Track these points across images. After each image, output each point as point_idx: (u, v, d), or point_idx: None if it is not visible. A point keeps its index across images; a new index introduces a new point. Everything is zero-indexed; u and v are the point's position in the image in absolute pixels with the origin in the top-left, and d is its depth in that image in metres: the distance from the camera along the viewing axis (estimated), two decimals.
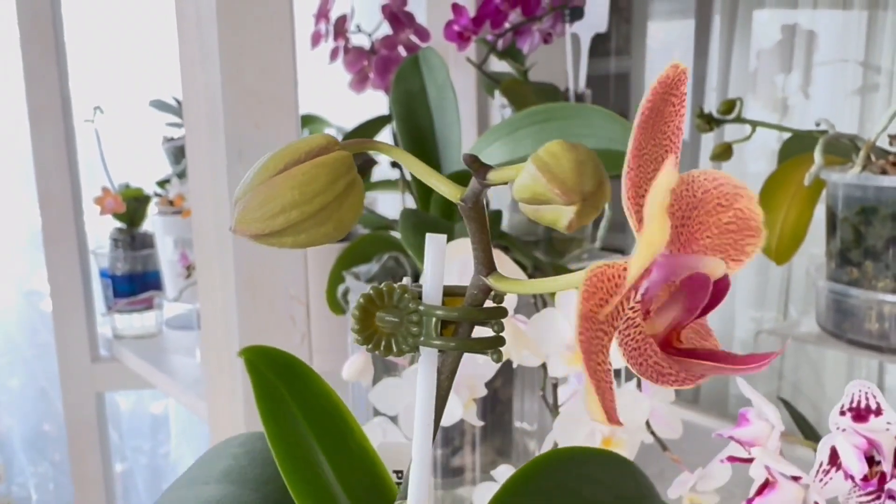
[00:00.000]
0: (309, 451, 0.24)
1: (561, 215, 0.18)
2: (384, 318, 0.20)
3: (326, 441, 0.24)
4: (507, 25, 0.76)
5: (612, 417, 0.17)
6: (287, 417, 0.24)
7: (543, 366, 0.42)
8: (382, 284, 0.20)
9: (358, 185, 0.19)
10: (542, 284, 0.20)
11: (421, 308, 0.20)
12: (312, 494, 0.23)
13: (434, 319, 0.20)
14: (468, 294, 0.21)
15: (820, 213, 0.63)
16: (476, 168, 0.19)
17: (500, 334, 0.21)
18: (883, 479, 0.28)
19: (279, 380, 0.24)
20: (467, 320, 0.20)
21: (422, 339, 0.20)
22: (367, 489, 0.25)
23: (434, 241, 0.21)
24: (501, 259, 0.43)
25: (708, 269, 0.18)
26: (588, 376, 0.17)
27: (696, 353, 0.18)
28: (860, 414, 0.29)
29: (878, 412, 0.28)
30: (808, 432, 0.45)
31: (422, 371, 0.20)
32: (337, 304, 0.66)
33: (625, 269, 0.17)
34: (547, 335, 0.39)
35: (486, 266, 0.20)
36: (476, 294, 0.20)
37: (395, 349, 0.20)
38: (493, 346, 0.21)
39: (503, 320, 0.21)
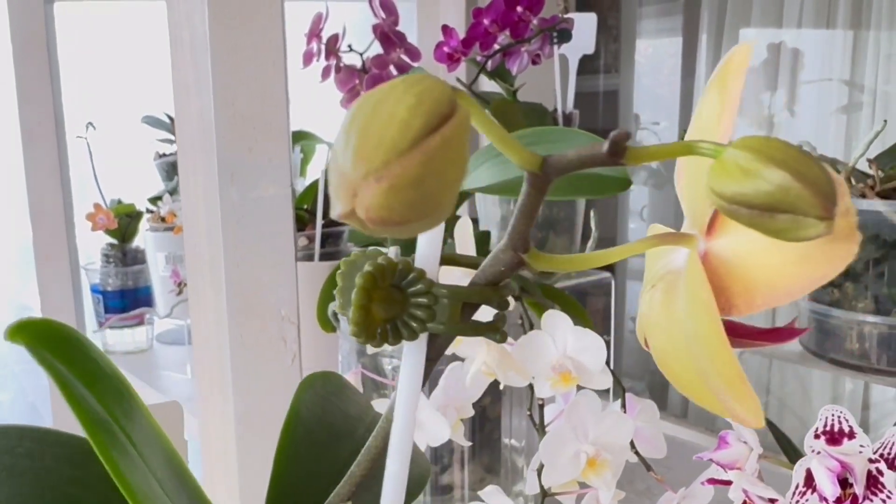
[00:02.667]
0: (114, 432, 0.21)
1: (803, 227, 0.15)
2: (386, 300, 0.16)
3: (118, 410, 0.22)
4: (496, 47, 0.77)
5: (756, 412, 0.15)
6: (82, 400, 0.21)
7: (531, 385, 0.43)
8: (382, 259, 0.17)
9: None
10: (584, 260, 0.19)
11: (435, 290, 0.17)
12: (132, 483, 0.20)
13: (453, 302, 0.17)
14: (488, 267, 0.18)
15: None
16: (620, 147, 0.16)
17: (504, 312, 0.19)
18: (855, 500, 0.28)
19: (57, 357, 0.22)
20: (483, 301, 0.18)
21: (433, 324, 0.17)
22: (169, 473, 0.23)
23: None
24: None
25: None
26: (733, 371, 0.15)
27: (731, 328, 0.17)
28: (833, 437, 0.30)
29: (851, 435, 0.29)
30: (791, 452, 0.46)
31: (409, 354, 0.18)
32: (327, 323, 0.67)
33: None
34: (533, 357, 0.40)
35: (523, 243, 0.18)
36: (502, 270, 0.18)
37: (391, 338, 0.17)
38: (498, 328, 0.19)
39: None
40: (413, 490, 0.21)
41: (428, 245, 0.18)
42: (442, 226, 0.18)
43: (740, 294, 0.16)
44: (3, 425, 0.23)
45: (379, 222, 0.13)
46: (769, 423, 0.48)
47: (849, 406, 1.29)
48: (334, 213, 0.14)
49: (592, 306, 0.84)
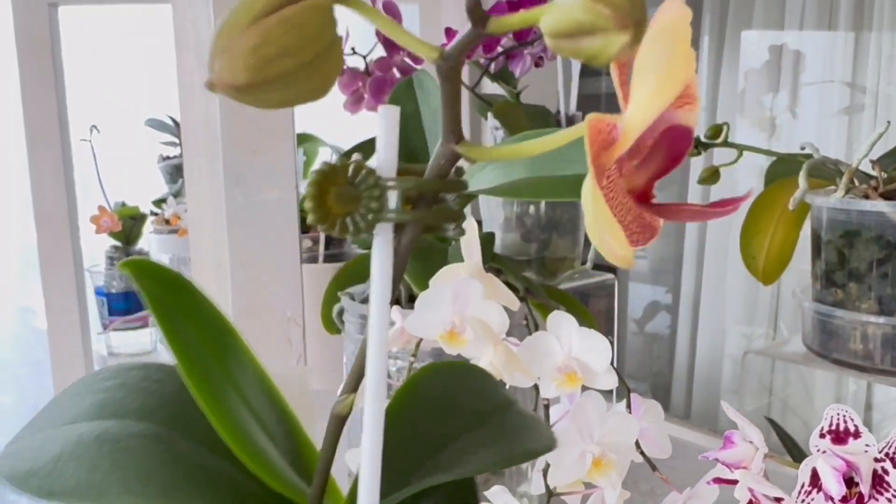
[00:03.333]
0: (210, 366, 0.23)
1: (609, 44, 0.16)
2: (341, 195, 0.18)
3: (224, 360, 0.24)
4: (499, 49, 0.77)
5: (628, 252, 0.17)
6: (186, 333, 0.23)
7: (536, 386, 0.43)
8: (337, 160, 0.18)
9: (339, 42, 0.18)
10: (511, 150, 0.20)
11: (382, 182, 0.18)
12: (223, 413, 0.22)
13: (396, 193, 0.19)
14: (432, 164, 0.20)
15: (806, 232, 0.64)
16: (478, 16, 0.18)
17: (462, 209, 0.20)
18: (861, 499, 0.29)
19: (169, 295, 0.24)
20: (430, 191, 0.19)
21: (381, 214, 0.18)
22: (268, 409, 0.24)
23: (387, 112, 0.20)
24: (493, 283, 0.44)
25: (685, 120, 0.19)
26: (606, 209, 0.17)
27: (670, 206, 0.19)
28: (839, 436, 0.30)
29: (857, 434, 0.29)
30: (795, 452, 0.46)
31: (377, 250, 0.19)
32: (332, 324, 0.67)
33: (614, 125, 0.18)
34: (539, 358, 0.40)
35: (455, 133, 0.19)
36: (442, 164, 0.20)
37: (351, 228, 0.18)
38: (453, 218, 0.20)
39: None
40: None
41: (384, 150, 0.19)
42: (395, 137, 0.20)
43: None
44: (144, 363, 0.27)
45: (225, 86, 0.17)
46: (773, 423, 0.49)
47: (852, 407, 1.29)
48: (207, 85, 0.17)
49: (595, 307, 0.85)
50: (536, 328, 0.46)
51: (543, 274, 0.78)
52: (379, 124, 0.19)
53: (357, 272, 0.67)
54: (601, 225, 0.18)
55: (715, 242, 1.38)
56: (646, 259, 1.55)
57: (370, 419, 0.20)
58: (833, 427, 0.30)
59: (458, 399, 0.27)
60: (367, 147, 0.98)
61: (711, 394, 1.39)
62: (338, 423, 0.23)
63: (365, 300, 0.61)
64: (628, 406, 0.43)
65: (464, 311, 0.39)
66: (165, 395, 0.25)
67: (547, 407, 0.45)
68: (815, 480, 0.30)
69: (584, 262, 0.76)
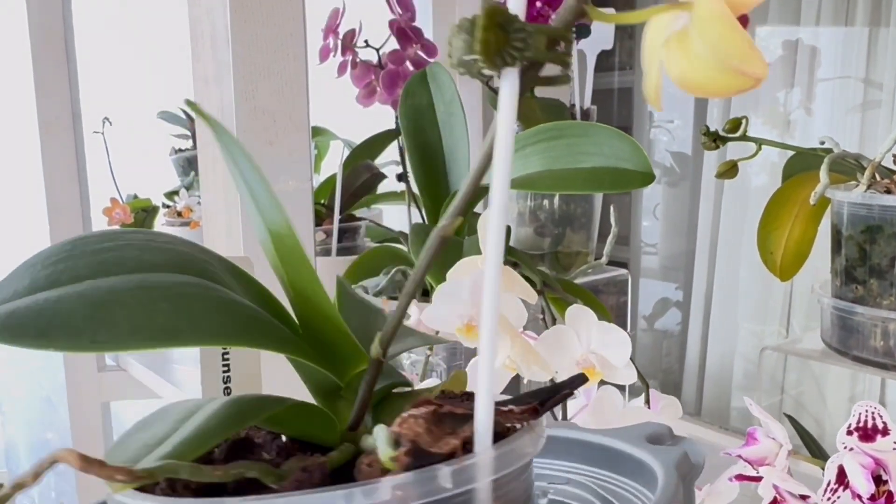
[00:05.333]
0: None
1: None
2: (498, 35, 0.21)
3: None
4: None
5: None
6: None
7: (552, 380, 0.42)
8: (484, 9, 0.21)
9: None
10: (634, 16, 0.22)
11: (528, 27, 0.21)
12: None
13: (540, 36, 0.22)
14: (562, 18, 0.23)
15: (823, 228, 0.64)
16: None
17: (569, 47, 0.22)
18: (890, 498, 0.28)
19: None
20: (559, 37, 0.22)
21: (527, 52, 0.21)
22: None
23: None
24: (511, 276, 0.43)
25: None
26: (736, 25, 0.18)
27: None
28: (867, 433, 0.29)
29: (885, 432, 0.29)
30: (814, 449, 0.45)
31: (506, 85, 0.22)
32: None
33: None
34: (557, 352, 0.40)
35: None
36: (567, 17, 0.22)
37: (499, 63, 0.21)
38: (566, 62, 0.23)
39: None
40: None
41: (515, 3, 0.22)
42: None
43: None
44: (134, 229, 0.26)
45: None
46: (791, 420, 0.48)
47: None
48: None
49: (606, 303, 0.84)
50: (554, 322, 0.45)
51: (557, 269, 0.77)
52: None
53: (370, 265, 0.66)
54: (732, 45, 0.18)
55: (727, 239, 1.37)
56: (656, 255, 1.54)
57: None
58: (861, 424, 0.29)
59: None
60: (382, 140, 0.97)
61: (723, 391, 1.38)
62: (441, 244, 0.24)
63: (378, 293, 0.61)
64: (647, 402, 0.42)
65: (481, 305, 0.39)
66: (184, 254, 0.25)
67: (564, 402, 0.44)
68: (841, 478, 0.29)
69: (598, 258, 0.75)
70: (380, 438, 0.21)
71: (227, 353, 0.37)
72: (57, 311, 0.21)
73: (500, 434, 0.22)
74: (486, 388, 0.21)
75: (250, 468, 0.21)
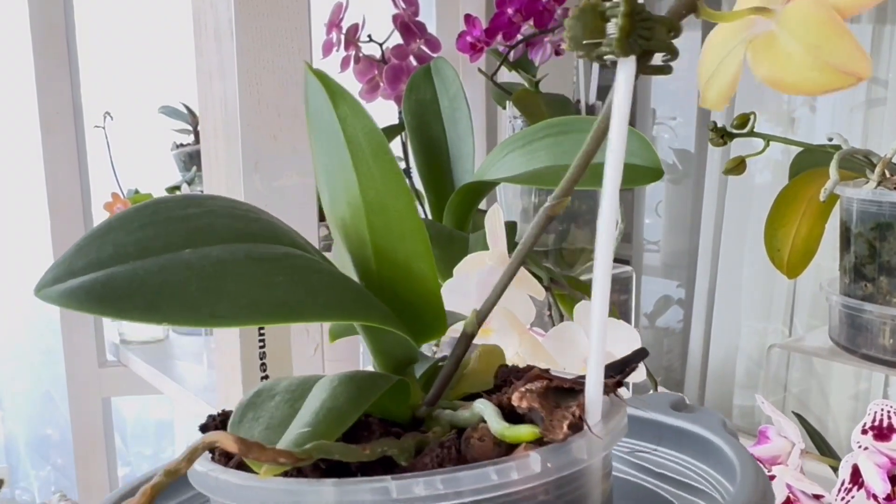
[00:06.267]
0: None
1: None
2: (629, 22, 0.22)
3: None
4: (519, 37, 0.76)
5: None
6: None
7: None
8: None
9: None
10: (736, 13, 0.22)
11: (655, 16, 0.22)
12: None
13: (664, 27, 0.22)
14: (673, 10, 0.23)
15: (827, 226, 0.63)
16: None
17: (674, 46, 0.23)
18: None
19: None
20: (674, 28, 0.23)
21: (653, 42, 0.22)
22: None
23: None
24: (519, 273, 0.43)
25: None
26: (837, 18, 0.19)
27: None
28: (882, 432, 0.29)
29: None
30: (823, 447, 0.45)
31: (622, 76, 0.22)
32: None
33: None
34: (566, 348, 0.39)
35: None
36: (680, 10, 0.23)
37: (629, 49, 0.22)
38: (673, 51, 0.23)
39: None
40: None
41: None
42: None
43: None
44: (210, 195, 0.25)
45: None
46: (800, 419, 0.48)
47: (866, 404, 1.27)
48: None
49: (611, 299, 0.84)
50: (561, 319, 0.45)
51: (561, 265, 0.77)
52: None
53: None
54: (838, 46, 0.19)
55: (731, 237, 1.37)
56: (658, 253, 1.54)
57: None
58: (876, 423, 0.29)
59: None
60: (385, 135, 0.97)
61: (725, 389, 1.37)
62: (547, 221, 0.24)
63: None
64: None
65: None
66: (273, 224, 0.24)
67: None
68: (856, 477, 0.29)
69: None
70: (489, 413, 0.22)
71: (263, 331, 0.37)
72: (165, 281, 0.19)
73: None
74: (597, 364, 0.23)
75: (390, 446, 0.21)
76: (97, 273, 0.20)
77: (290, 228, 0.24)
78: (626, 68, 0.22)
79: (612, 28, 0.22)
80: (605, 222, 0.23)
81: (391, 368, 0.26)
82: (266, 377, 0.35)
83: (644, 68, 0.23)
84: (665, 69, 0.23)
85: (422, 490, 0.20)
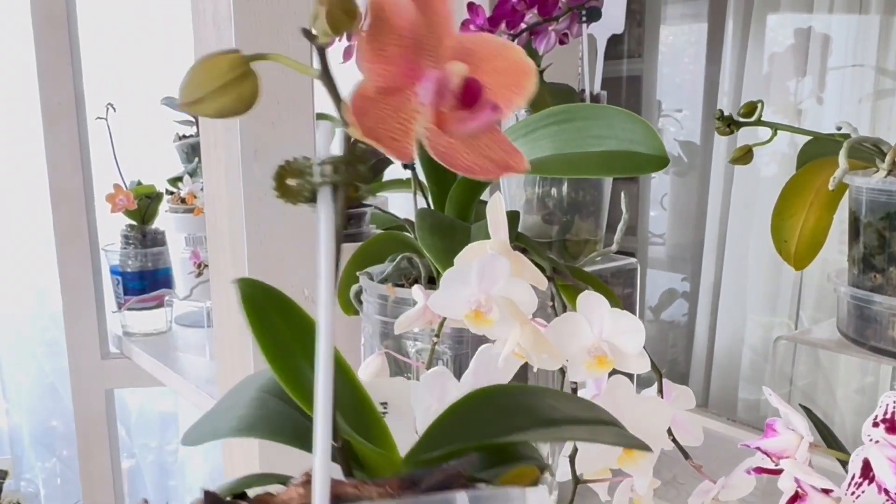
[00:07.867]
0: (294, 357, 0.29)
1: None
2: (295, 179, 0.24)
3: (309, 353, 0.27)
4: (523, 25, 0.75)
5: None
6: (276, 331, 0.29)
7: (561, 369, 0.41)
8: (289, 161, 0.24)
9: (253, 75, 0.25)
10: None
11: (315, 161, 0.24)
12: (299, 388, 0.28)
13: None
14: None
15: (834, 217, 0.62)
16: None
17: (369, 172, 0.24)
18: None
19: (270, 305, 0.30)
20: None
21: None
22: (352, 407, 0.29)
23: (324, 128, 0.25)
24: (520, 261, 0.42)
25: (455, 71, 0.23)
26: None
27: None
28: (894, 425, 0.28)
29: None
30: (830, 440, 0.44)
31: (323, 208, 0.23)
32: (349, 305, 0.66)
33: None
34: (568, 339, 0.38)
35: None
36: None
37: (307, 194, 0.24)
38: (363, 179, 0.25)
39: None
40: None
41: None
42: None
43: None
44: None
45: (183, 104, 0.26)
46: (808, 411, 0.47)
47: (872, 397, 1.26)
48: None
49: (614, 292, 0.83)
50: (565, 310, 0.44)
51: (565, 257, 0.76)
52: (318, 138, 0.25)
53: (375, 251, 0.65)
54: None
55: (736, 229, 1.35)
56: (663, 246, 1.53)
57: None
58: (888, 415, 0.28)
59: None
60: None
61: (730, 382, 1.37)
62: None
63: (383, 280, 0.60)
64: (660, 391, 0.41)
65: (490, 290, 0.37)
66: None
67: (574, 391, 0.43)
68: (866, 471, 0.28)
69: (606, 246, 0.74)
70: None
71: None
72: (233, 418, 0.31)
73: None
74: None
75: None
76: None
77: None
78: (323, 202, 0.23)
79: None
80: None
81: None
82: None
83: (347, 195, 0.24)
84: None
85: None
